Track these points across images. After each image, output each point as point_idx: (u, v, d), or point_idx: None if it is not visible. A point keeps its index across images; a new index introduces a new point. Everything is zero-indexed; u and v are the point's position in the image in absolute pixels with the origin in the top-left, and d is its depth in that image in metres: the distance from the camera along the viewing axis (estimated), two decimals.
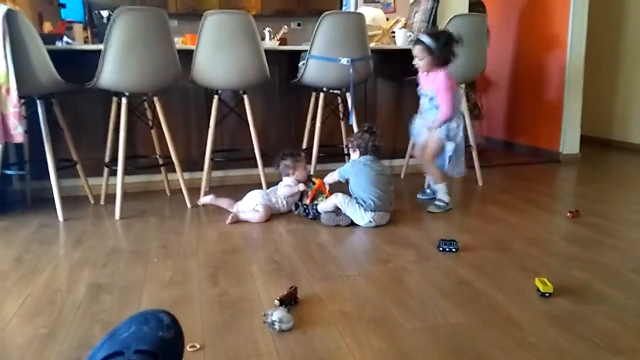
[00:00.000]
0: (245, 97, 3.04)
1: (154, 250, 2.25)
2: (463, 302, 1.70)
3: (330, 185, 2.74)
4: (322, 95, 3.20)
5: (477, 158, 3.40)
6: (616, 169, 4.10)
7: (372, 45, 3.41)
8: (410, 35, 3.68)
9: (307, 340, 1.46)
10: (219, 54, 2.83)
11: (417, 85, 2.92)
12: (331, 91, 3.27)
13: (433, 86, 2.73)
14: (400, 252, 2.17)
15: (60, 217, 2.71)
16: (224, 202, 2.79)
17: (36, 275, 1.97)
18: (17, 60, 2.48)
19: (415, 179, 3.55)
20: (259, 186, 3.01)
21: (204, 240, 2.38)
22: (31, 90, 2.61)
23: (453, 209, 2.83)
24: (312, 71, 3.06)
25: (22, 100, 2.63)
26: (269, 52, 3.04)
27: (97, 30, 3.20)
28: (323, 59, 3.01)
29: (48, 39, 2.80)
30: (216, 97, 3.01)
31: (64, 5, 4.40)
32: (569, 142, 4.30)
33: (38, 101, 2.68)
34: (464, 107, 3.33)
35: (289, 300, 1.65)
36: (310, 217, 2.66)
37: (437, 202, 2.82)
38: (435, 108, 2.75)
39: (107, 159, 3.03)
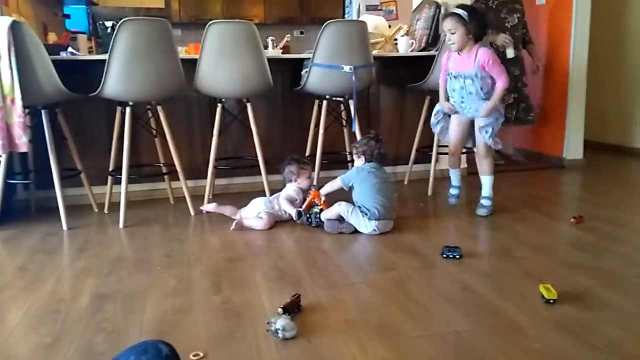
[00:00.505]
0: (248, 105, 3.05)
1: (158, 258, 2.26)
2: (468, 309, 1.70)
3: (332, 192, 2.72)
4: (325, 102, 3.20)
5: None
6: (620, 174, 4.09)
7: (374, 52, 3.42)
8: (412, 43, 3.70)
9: (311, 349, 1.46)
10: (222, 62, 2.85)
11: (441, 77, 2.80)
12: (334, 98, 3.27)
13: (473, 64, 2.57)
14: (404, 259, 2.17)
15: (65, 226, 2.72)
16: (226, 210, 2.79)
17: (40, 284, 1.97)
18: (22, 71, 2.50)
19: (418, 185, 3.55)
20: (263, 193, 3.01)
21: (208, 248, 2.38)
22: (36, 100, 2.63)
23: (456, 214, 2.82)
24: (315, 79, 3.07)
25: (27, 110, 2.65)
26: (272, 61, 3.06)
27: (101, 40, 3.22)
28: (326, 67, 3.02)
29: (53, 49, 2.82)
30: (220, 105, 3.02)
31: (68, 16, 4.44)
32: (573, 148, 4.28)
33: (42, 111, 2.70)
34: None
35: (293, 308, 1.65)
36: (313, 225, 2.66)
37: (484, 202, 2.79)
38: (477, 91, 2.61)
39: (111, 168, 3.05)
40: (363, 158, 2.65)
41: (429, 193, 3.35)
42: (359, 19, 3.99)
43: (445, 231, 2.57)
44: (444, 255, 2.16)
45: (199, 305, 1.76)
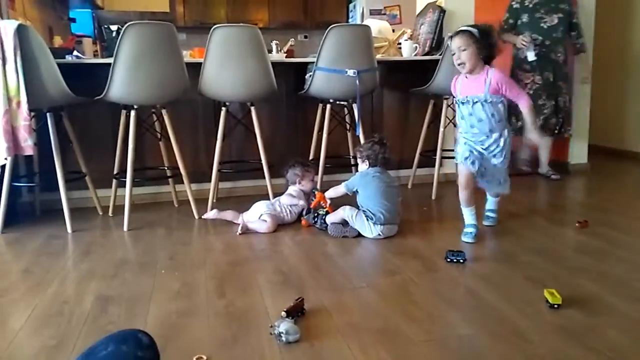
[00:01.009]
0: (252, 109, 3.06)
1: (162, 261, 2.26)
2: (471, 314, 1.69)
3: (336, 198, 2.73)
4: (328, 106, 3.21)
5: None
6: (625, 179, 4.07)
7: (378, 56, 3.43)
8: (416, 47, 3.70)
9: (314, 353, 1.46)
10: (226, 66, 2.86)
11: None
12: (338, 102, 3.28)
13: (484, 88, 2.34)
14: (408, 264, 2.17)
15: (69, 229, 2.73)
16: (228, 215, 2.80)
17: (44, 287, 1.98)
18: (28, 74, 2.52)
19: (422, 189, 3.55)
20: (266, 197, 3.02)
21: (211, 252, 2.39)
22: (41, 103, 2.65)
23: (460, 219, 2.81)
24: (318, 83, 3.08)
25: (32, 113, 2.66)
26: (276, 65, 3.07)
27: (107, 44, 3.24)
28: (330, 71, 3.02)
29: (58, 53, 2.84)
30: (224, 109, 3.03)
31: (74, 20, 4.47)
32: (577, 152, 4.27)
33: (48, 114, 2.71)
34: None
35: (296, 312, 1.64)
36: (317, 226, 2.66)
37: (489, 214, 2.72)
38: (488, 117, 2.36)
39: (115, 171, 3.06)
40: (367, 162, 2.65)
41: (433, 197, 3.35)
42: (363, 23, 4.00)
43: (449, 235, 2.56)
44: (448, 260, 2.16)
45: (203, 308, 1.77)
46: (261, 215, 2.69)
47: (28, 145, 2.60)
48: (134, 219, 2.86)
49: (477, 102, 2.35)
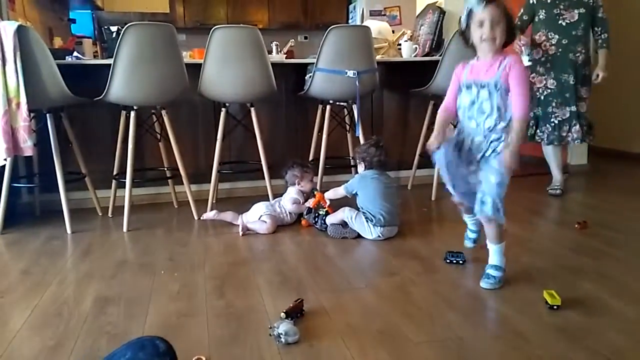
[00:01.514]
0: (252, 109, 3.06)
1: (161, 262, 2.26)
2: (470, 315, 1.69)
3: (336, 200, 2.73)
4: (328, 107, 3.21)
5: None
6: (625, 180, 4.07)
7: (378, 57, 3.43)
8: (416, 48, 3.70)
9: (313, 353, 1.46)
10: (226, 67, 2.86)
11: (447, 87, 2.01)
12: (338, 103, 3.28)
13: (496, 71, 1.81)
14: (407, 264, 2.17)
15: (69, 229, 2.73)
16: (227, 216, 2.80)
17: (44, 288, 1.98)
18: (28, 75, 2.52)
19: (422, 190, 3.55)
20: (266, 198, 3.02)
21: (211, 252, 2.39)
22: (41, 104, 2.65)
23: (459, 220, 2.81)
24: (318, 84, 3.08)
25: (32, 114, 2.66)
26: (276, 65, 3.07)
27: (107, 45, 3.24)
28: (329, 72, 3.03)
29: (58, 53, 2.85)
30: (224, 110, 3.03)
31: (74, 21, 4.48)
32: (577, 153, 4.27)
33: (47, 115, 2.71)
34: None
35: (295, 313, 1.64)
36: (317, 226, 2.66)
37: (491, 272, 1.93)
38: (492, 109, 1.82)
39: (115, 172, 3.06)
40: (363, 164, 2.66)
41: (433, 198, 3.35)
42: (363, 24, 4.00)
43: (449, 236, 2.56)
44: (447, 261, 2.16)
45: (202, 309, 1.77)
46: (261, 216, 2.69)
47: (28, 146, 2.60)
48: (134, 220, 2.86)
49: (484, 86, 1.84)
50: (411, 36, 3.89)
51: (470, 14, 1.84)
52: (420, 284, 1.96)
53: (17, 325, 1.67)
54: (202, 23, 6.62)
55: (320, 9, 7.09)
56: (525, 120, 1.80)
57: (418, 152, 3.62)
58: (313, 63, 3.09)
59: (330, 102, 3.21)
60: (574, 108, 3.38)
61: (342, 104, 3.32)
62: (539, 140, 3.51)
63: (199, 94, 2.97)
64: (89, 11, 4.92)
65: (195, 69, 2.92)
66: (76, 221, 2.83)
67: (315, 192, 2.77)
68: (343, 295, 1.86)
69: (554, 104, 3.40)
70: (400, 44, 3.78)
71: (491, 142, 1.86)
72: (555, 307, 1.70)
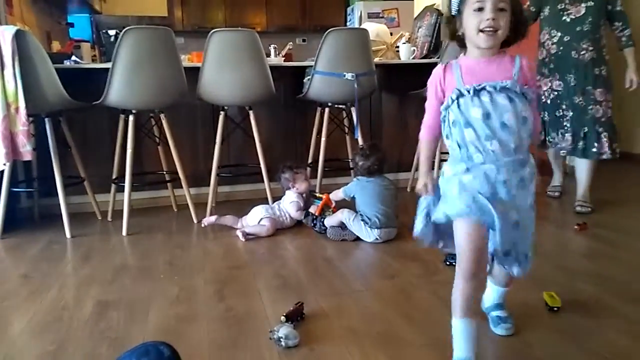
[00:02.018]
0: (251, 112, 3.06)
1: (161, 266, 2.26)
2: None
3: (336, 202, 2.76)
4: (327, 110, 3.22)
5: None
6: (625, 180, 4.08)
7: (376, 60, 3.43)
8: (414, 50, 3.71)
9: (313, 357, 1.46)
10: (225, 71, 2.86)
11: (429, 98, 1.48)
12: (336, 106, 3.29)
13: (512, 72, 1.34)
14: (407, 267, 2.17)
15: (68, 234, 2.72)
16: (227, 220, 2.80)
17: (44, 292, 1.98)
18: (26, 79, 2.52)
19: None
20: (265, 201, 3.02)
21: (210, 256, 2.39)
22: (40, 108, 2.65)
23: None
24: (317, 86, 3.09)
25: (31, 119, 2.66)
26: (274, 68, 3.07)
27: (105, 49, 3.25)
28: (328, 74, 3.03)
29: (56, 58, 2.85)
30: (222, 113, 3.04)
31: (72, 25, 4.47)
32: None
33: (46, 119, 2.71)
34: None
35: (295, 316, 1.64)
36: (316, 229, 2.66)
37: (500, 314, 1.62)
38: (519, 122, 1.31)
39: (114, 176, 3.06)
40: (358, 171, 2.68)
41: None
42: (361, 26, 4.01)
43: None
44: (447, 263, 2.16)
45: (202, 313, 1.76)
46: (261, 219, 2.69)
47: (27, 151, 2.59)
48: (133, 224, 2.86)
49: (502, 90, 1.31)
50: (409, 38, 3.90)
51: None
52: (421, 286, 1.96)
53: (17, 330, 1.67)
54: (200, 26, 6.63)
55: (318, 11, 7.10)
56: (538, 139, 1.45)
57: (417, 154, 3.63)
58: (311, 66, 3.10)
59: (329, 104, 3.21)
60: (578, 114, 2.98)
61: (340, 106, 3.32)
62: (552, 147, 3.20)
63: (198, 97, 2.97)
64: (87, 15, 4.92)
65: (193, 73, 2.92)
66: (76, 225, 2.83)
67: (321, 195, 2.79)
68: (343, 298, 1.86)
69: (563, 107, 3.03)
70: (398, 46, 3.79)
71: (515, 169, 1.33)
72: (555, 308, 1.70)
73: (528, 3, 3.14)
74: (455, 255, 2.17)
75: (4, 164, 2.60)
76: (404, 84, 3.66)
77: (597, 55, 2.95)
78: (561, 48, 3.00)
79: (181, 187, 3.01)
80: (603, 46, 2.99)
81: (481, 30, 1.31)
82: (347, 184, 2.70)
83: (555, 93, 3.06)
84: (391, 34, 3.98)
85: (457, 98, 1.35)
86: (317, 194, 2.87)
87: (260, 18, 7.00)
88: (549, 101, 3.10)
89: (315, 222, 2.68)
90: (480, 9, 1.31)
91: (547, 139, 3.17)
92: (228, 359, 1.46)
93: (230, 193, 3.56)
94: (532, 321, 1.64)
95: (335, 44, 2.99)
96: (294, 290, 1.94)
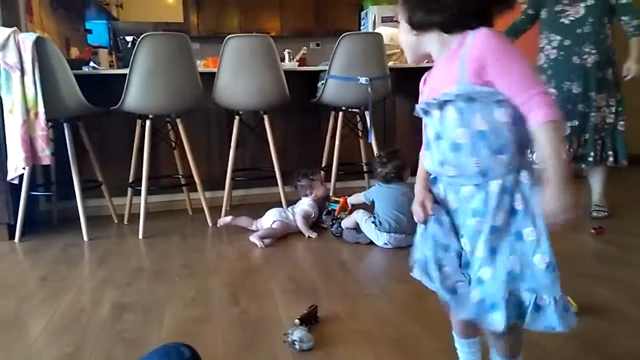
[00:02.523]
0: (265, 117, 3.08)
1: (176, 269, 2.28)
2: None
3: (354, 205, 2.76)
4: (341, 114, 3.22)
5: None
6: None
7: (390, 64, 3.43)
8: None
9: None
10: (240, 76, 2.89)
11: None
12: (350, 110, 3.29)
13: (457, 72, 1.03)
14: None
15: (85, 237, 2.76)
16: (243, 221, 2.82)
17: (61, 295, 2.01)
18: (46, 85, 2.57)
19: None
20: (279, 205, 3.03)
21: (225, 259, 2.40)
22: (58, 113, 2.70)
23: None
24: (331, 91, 3.10)
25: (50, 124, 2.71)
26: (288, 73, 3.09)
27: (122, 55, 3.29)
28: (342, 79, 3.04)
29: (75, 64, 2.90)
30: (237, 117, 3.06)
31: (90, 31, 4.54)
32: None
33: (65, 124, 2.76)
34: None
35: (310, 320, 1.65)
36: (332, 229, 2.67)
37: None
38: (472, 135, 1.03)
39: (131, 179, 3.10)
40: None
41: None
42: (375, 30, 4.01)
43: None
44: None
45: (217, 316, 1.78)
46: (273, 222, 2.71)
47: (45, 155, 2.64)
48: (149, 227, 2.89)
49: (447, 105, 1.08)
50: None
51: None
52: (435, 291, 1.95)
53: (35, 331, 1.70)
54: (215, 32, 6.67)
55: (332, 16, 7.11)
56: (555, 121, 0.94)
57: None
58: (325, 70, 3.11)
59: (343, 108, 3.22)
60: (579, 121, 2.82)
61: (354, 110, 3.33)
62: None
63: (213, 102, 3.00)
64: (105, 22, 4.99)
65: (209, 78, 2.95)
66: (93, 228, 2.87)
67: (338, 199, 2.80)
68: (357, 302, 1.86)
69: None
70: None
71: (499, 194, 1.02)
72: None
73: (525, 6, 2.99)
74: None
75: (24, 168, 2.65)
76: (418, 88, 3.64)
77: (601, 58, 2.77)
78: (561, 53, 2.82)
79: (196, 190, 3.04)
80: (609, 47, 2.80)
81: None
82: (361, 187, 2.71)
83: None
84: None
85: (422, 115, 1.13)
86: (334, 198, 2.88)
87: (275, 23, 7.04)
88: None
89: (333, 222, 2.69)
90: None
91: None
92: None
93: (245, 197, 3.58)
94: None
95: (350, 49, 3.00)
96: (308, 293, 1.94)
